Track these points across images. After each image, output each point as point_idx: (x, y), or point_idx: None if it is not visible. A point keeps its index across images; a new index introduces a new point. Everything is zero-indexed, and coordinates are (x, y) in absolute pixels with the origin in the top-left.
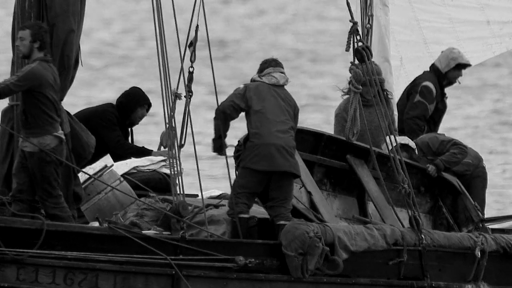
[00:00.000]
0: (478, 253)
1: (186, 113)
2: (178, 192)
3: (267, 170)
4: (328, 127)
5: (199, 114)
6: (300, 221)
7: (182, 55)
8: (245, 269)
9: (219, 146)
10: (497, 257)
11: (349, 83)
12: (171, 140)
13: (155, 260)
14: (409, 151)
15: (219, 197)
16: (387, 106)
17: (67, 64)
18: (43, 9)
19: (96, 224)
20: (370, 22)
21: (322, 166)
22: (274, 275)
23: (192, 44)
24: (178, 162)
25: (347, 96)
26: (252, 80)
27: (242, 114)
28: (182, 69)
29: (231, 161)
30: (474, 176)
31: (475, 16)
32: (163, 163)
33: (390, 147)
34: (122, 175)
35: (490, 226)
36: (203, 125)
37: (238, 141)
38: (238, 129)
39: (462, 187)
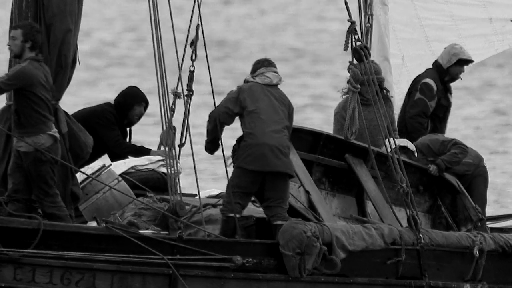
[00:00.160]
0: (476, 252)
1: (186, 112)
2: (176, 192)
3: (260, 170)
4: (328, 128)
5: (200, 114)
6: (298, 220)
7: (182, 55)
8: (242, 269)
9: (212, 148)
10: (496, 256)
11: (348, 82)
12: (170, 139)
13: (152, 259)
14: (408, 154)
15: (217, 196)
16: (386, 105)
17: (64, 64)
18: (40, 9)
19: (94, 223)
20: (370, 21)
21: (320, 165)
22: (272, 274)
23: (193, 43)
24: (176, 162)
25: (346, 95)
26: (245, 81)
27: None
28: (180, 67)
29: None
30: (475, 176)
31: (477, 14)
32: (162, 163)
33: (389, 149)
34: (120, 175)
35: (489, 225)
36: (203, 124)
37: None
38: (236, 130)
39: (461, 186)
